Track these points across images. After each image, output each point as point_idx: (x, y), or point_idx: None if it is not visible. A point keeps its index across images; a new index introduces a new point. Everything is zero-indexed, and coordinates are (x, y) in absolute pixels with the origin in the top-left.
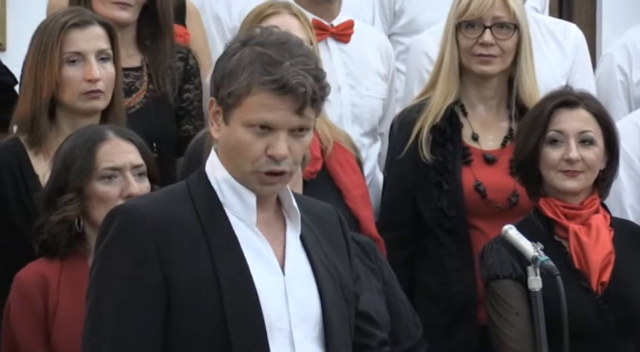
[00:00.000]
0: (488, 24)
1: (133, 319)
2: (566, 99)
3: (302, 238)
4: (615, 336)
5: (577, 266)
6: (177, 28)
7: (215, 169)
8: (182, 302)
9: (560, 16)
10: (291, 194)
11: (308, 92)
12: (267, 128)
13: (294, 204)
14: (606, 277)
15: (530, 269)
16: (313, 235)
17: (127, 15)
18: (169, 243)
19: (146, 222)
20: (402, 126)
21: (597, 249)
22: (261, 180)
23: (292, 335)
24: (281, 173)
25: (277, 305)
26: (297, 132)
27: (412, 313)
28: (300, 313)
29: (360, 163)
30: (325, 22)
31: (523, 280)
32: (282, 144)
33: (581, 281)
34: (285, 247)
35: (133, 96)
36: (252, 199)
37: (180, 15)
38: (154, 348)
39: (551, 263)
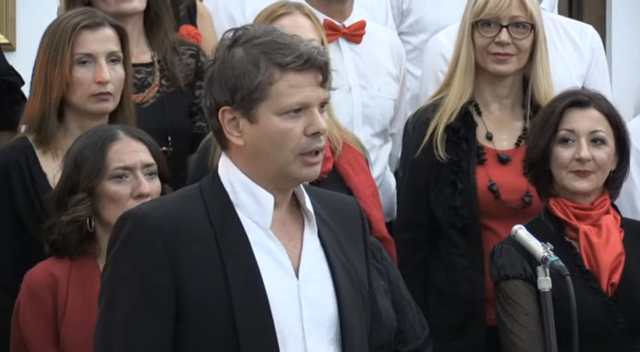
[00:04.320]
0: (505, 23)
1: (143, 324)
2: (577, 98)
3: (319, 235)
4: (625, 337)
5: (587, 267)
6: (189, 28)
7: (229, 171)
8: (192, 307)
9: (570, 17)
10: (305, 193)
11: (328, 62)
12: (300, 110)
13: (308, 205)
14: (616, 278)
15: (539, 269)
16: (331, 231)
17: (137, 3)
18: (180, 247)
19: (157, 227)
20: (417, 126)
21: (607, 249)
22: (305, 162)
23: (305, 340)
24: (322, 150)
25: (289, 311)
26: (320, 108)
27: (418, 313)
28: (313, 318)
29: (368, 163)
30: (337, 23)
31: (533, 281)
32: (320, 119)
33: (591, 282)
34: (301, 248)
35: (147, 91)
36: (269, 201)
37: (192, 15)
38: None
39: (560, 263)
